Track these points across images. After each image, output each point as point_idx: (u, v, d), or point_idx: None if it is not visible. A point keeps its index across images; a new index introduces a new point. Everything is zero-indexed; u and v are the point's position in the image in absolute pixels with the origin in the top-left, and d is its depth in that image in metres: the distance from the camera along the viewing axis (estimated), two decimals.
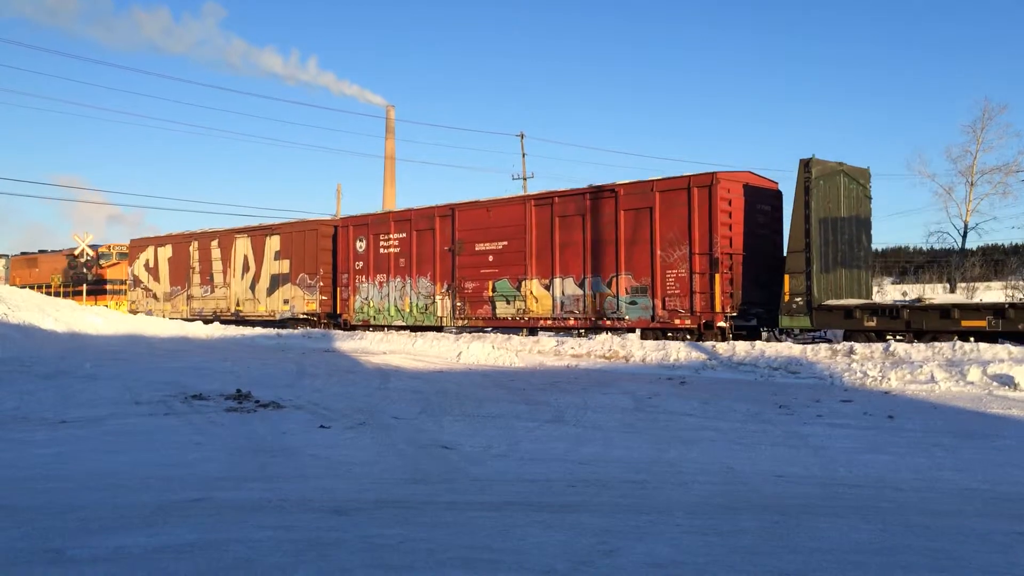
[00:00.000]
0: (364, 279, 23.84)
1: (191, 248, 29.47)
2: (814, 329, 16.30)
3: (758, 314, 17.08)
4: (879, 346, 13.65)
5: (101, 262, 36.87)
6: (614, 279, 18.22)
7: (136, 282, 31.82)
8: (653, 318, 17.61)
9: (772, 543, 4.16)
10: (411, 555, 3.78)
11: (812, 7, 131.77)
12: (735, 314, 16.77)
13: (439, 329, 22.28)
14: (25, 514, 4.54)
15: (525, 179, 43.81)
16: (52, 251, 40.34)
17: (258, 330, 25.47)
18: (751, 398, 10.90)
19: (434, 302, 22.01)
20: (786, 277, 15.94)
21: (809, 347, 14.58)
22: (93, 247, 37.47)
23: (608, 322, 18.47)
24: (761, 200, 17.63)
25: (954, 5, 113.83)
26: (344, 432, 8.16)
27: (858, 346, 13.90)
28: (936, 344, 13.21)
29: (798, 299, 15.75)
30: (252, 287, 27.27)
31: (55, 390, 11.09)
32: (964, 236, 33.58)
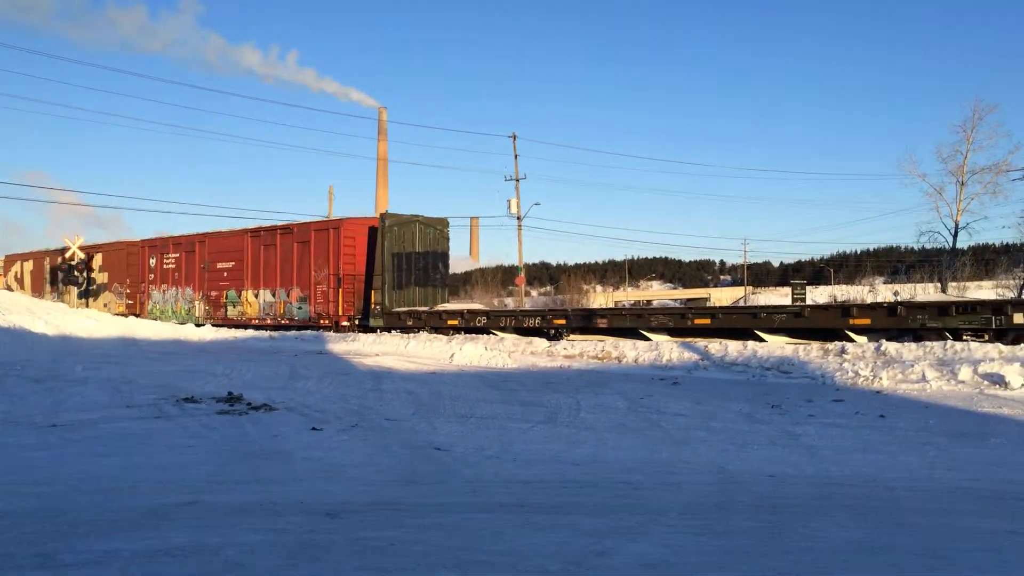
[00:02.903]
0: (154, 287, 31.36)
1: (45, 263, 37.10)
2: (387, 327, 23.12)
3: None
4: (871, 345, 13.70)
5: None
6: (291, 291, 26.04)
7: (8, 290, 37.35)
8: (310, 319, 25.32)
9: (764, 543, 4.16)
10: (403, 557, 3.77)
11: (806, 7, 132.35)
12: (360, 316, 24.35)
13: (198, 325, 28.06)
14: (14, 518, 4.51)
15: (518, 180, 43.73)
16: None
17: (250, 332, 25.52)
18: (743, 398, 10.91)
19: (194, 305, 29.42)
20: (373, 292, 23.58)
21: (801, 347, 14.63)
22: None
23: (287, 321, 26.03)
24: None
25: (947, 4, 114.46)
26: (337, 434, 8.14)
27: (849, 346, 13.96)
28: (927, 343, 13.26)
29: (379, 306, 23.43)
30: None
31: (46, 393, 11.03)
32: (955, 236, 33.67)
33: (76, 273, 34.73)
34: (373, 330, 23.17)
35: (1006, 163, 33.21)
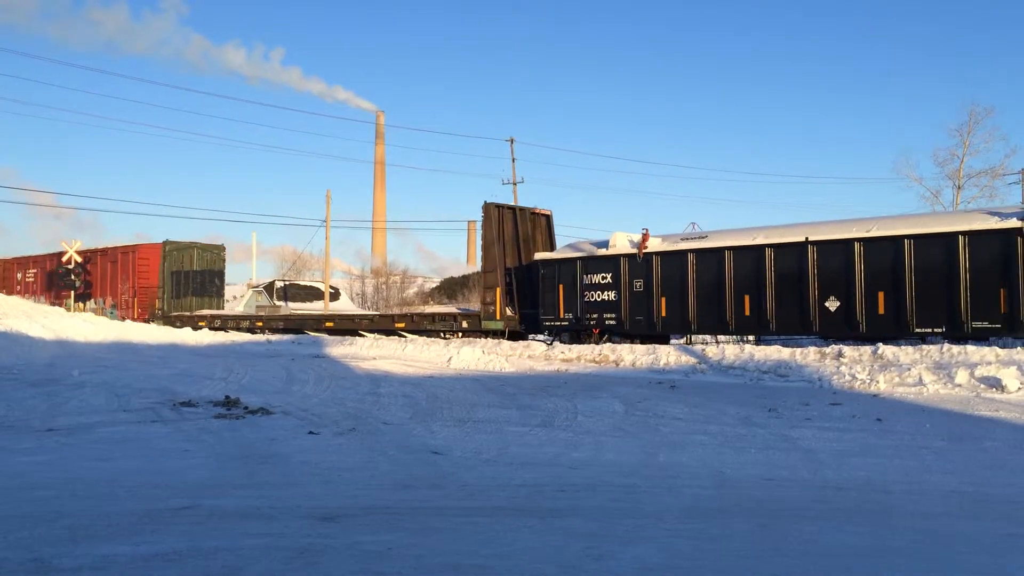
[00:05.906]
0: (19, 296, 35.86)
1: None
2: (166, 325, 29.34)
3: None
4: (867, 349, 13.72)
5: None
6: (107, 299, 33.97)
7: None
8: (122, 318, 31.25)
9: (761, 546, 4.16)
10: (400, 562, 3.77)
11: (802, 8, 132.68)
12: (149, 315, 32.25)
13: None
14: (10, 522, 4.50)
15: (515, 184, 43.69)
16: None
17: (247, 336, 25.53)
18: (741, 401, 10.92)
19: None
20: (157, 300, 31.78)
21: (798, 350, 14.65)
22: None
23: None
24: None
25: (942, 6, 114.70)
26: (333, 438, 8.13)
27: (846, 349, 13.98)
28: (924, 347, 13.29)
29: (160, 311, 31.45)
30: None
31: (43, 398, 11.01)
32: None
33: (73, 277, 34.66)
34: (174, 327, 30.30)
35: (1003, 167, 33.39)
